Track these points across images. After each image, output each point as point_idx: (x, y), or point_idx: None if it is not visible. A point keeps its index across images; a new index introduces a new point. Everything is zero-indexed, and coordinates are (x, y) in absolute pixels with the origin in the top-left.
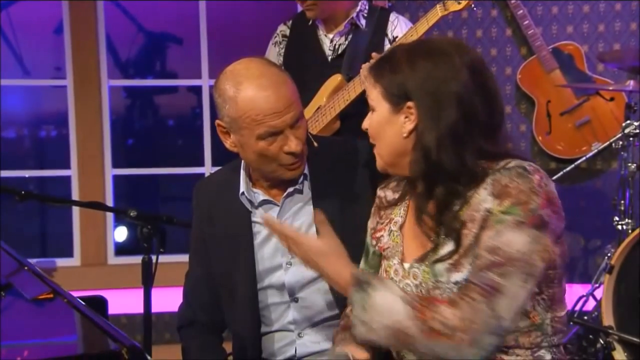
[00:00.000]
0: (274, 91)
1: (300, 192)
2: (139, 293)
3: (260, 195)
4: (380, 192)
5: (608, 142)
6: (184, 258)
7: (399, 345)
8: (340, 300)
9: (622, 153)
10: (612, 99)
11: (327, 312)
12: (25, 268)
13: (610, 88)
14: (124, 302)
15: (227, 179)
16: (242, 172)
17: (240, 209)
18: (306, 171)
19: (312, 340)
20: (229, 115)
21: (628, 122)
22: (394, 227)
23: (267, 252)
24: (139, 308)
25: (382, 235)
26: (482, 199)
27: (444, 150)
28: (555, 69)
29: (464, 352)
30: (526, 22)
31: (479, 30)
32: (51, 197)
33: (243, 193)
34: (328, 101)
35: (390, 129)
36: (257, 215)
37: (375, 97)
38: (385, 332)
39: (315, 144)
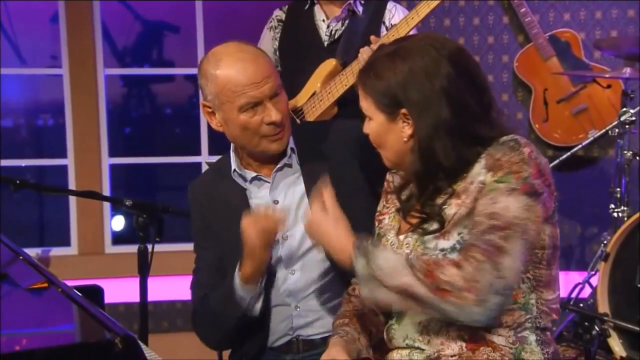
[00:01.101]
0: (251, 63)
1: (290, 166)
2: (136, 282)
3: (250, 173)
4: (389, 177)
5: (604, 130)
6: (181, 247)
7: (406, 305)
8: (333, 268)
9: (618, 140)
10: (609, 87)
11: (321, 281)
12: (20, 257)
13: (607, 75)
14: (121, 290)
15: (218, 167)
16: (232, 154)
17: (235, 187)
18: (293, 145)
19: (308, 309)
20: (211, 93)
21: (624, 109)
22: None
23: None
24: (136, 297)
25: (384, 218)
26: (477, 172)
27: (442, 148)
28: (552, 56)
29: (471, 311)
30: (523, 9)
31: (476, 18)
32: (46, 186)
33: (235, 170)
34: (324, 86)
35: (391, 136)
36: (253, 195)
37: (369, 108)
38: (394, 291)
39: (298, 121)
